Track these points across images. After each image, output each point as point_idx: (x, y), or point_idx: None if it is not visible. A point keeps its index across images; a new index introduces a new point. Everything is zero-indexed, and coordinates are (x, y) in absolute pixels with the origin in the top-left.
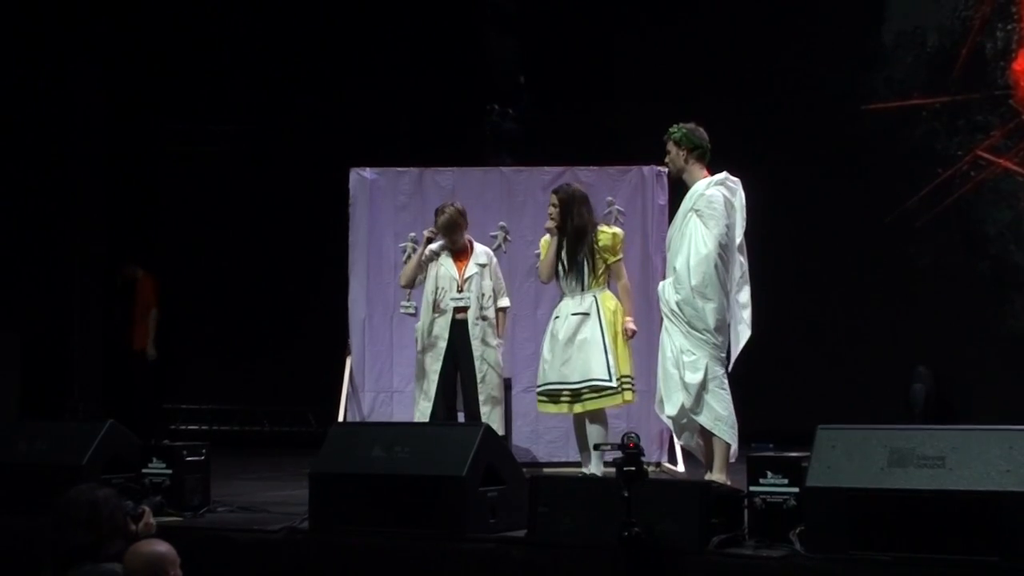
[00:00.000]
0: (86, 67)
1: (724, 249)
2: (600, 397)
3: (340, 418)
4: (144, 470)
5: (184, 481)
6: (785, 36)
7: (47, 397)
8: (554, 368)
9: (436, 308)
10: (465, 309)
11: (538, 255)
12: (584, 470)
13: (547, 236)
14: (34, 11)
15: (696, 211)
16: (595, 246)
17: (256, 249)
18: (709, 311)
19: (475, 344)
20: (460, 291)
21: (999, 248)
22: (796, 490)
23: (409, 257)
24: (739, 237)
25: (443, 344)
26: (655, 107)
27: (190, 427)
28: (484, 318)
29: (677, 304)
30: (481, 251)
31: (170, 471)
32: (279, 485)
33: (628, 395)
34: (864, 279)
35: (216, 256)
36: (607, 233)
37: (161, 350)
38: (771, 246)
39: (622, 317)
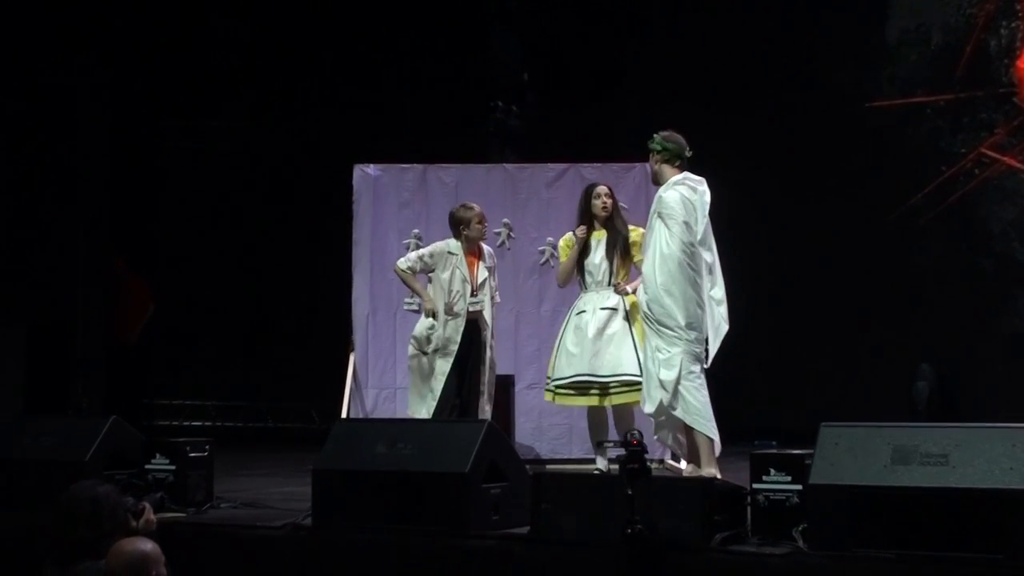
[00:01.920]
0: (89, 64)
1: (688, 246)
2: (630, 391)
3: (343, 414)
4: (147, 466)
5: (187, 477)
6: (789, 34)
7: (51, 392)
8: (583, 361)
9: (449, 311)
10: (479, 312)
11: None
12: (598, 466)
13: (569, 235)
14: (36, 8)
15: (658, 213)
16: (629, 244)
17: (260, 246)
18: (677, 309)
19: (484, 350)
20: (474, 295)
21: (1003, 246)
22: (799, 487)
23: (421, 257)
24: (700, 234)
25: (454, 347)
26: (659, 105)
27: (194, 423)
28: (488, 321)
29: (647, 304)
30: (488, 253)
31: (173, 467)
32: (282, 481)
33: None
34: (868, 277)
35: (220, 252)
36: (637, 231)
37: (164, 347)
38: (775, 244)
39: None
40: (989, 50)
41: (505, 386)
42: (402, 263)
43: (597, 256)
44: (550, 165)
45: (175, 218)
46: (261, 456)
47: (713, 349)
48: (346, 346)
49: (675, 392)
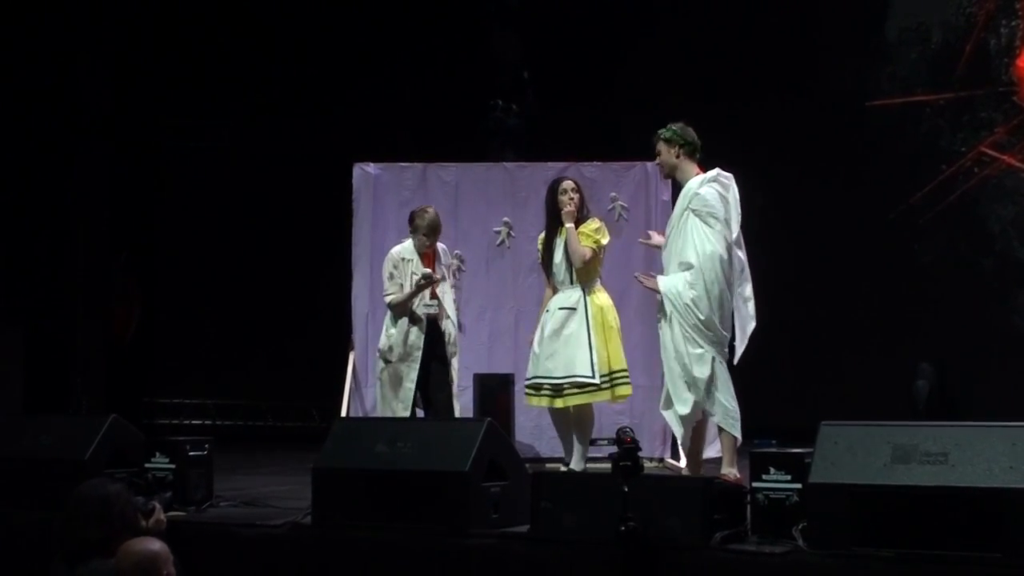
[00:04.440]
0: (91, 63)
1: (727, 244)
2: (582, 393)
3: (343, 413)
4: (147, 465)
5: (187, 476)
6: (789, 32)
7: (51, 391)
8: (540, 361)
9: (412, 318)
10: (437, 314)
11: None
12: (568, 465)
13: (542, 235)
14: (40, 6)
15: (693, 210)
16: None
17: (260, 244)
18: (717, 308)
19: (448, 347)
20: (432, 297)
21: (1003, 245)
22: (799, 486)
23: (392, 276)
24: (735, 231)
25: (419, 353)
26: (658, 103)
27: (193, 422)
28: (452, 320)
29: (692, 300)
30: (442, 250)
31: (173, 466)
32: (282, 480)
33: (623, 389)
34: (868, 276)
35: (220, 251)
36: (589, 225)
37: (164, 345)
38: (775, 243)
39: (612, 313)
40: (989, 49)
41: (505, 385)
42: (388, 299)
43: (558, 256)
44: (550, 164)
45: (175, 217)
46: (261, 455)
47: (740, 347)
48: (346, 344)
49: (710, 393)
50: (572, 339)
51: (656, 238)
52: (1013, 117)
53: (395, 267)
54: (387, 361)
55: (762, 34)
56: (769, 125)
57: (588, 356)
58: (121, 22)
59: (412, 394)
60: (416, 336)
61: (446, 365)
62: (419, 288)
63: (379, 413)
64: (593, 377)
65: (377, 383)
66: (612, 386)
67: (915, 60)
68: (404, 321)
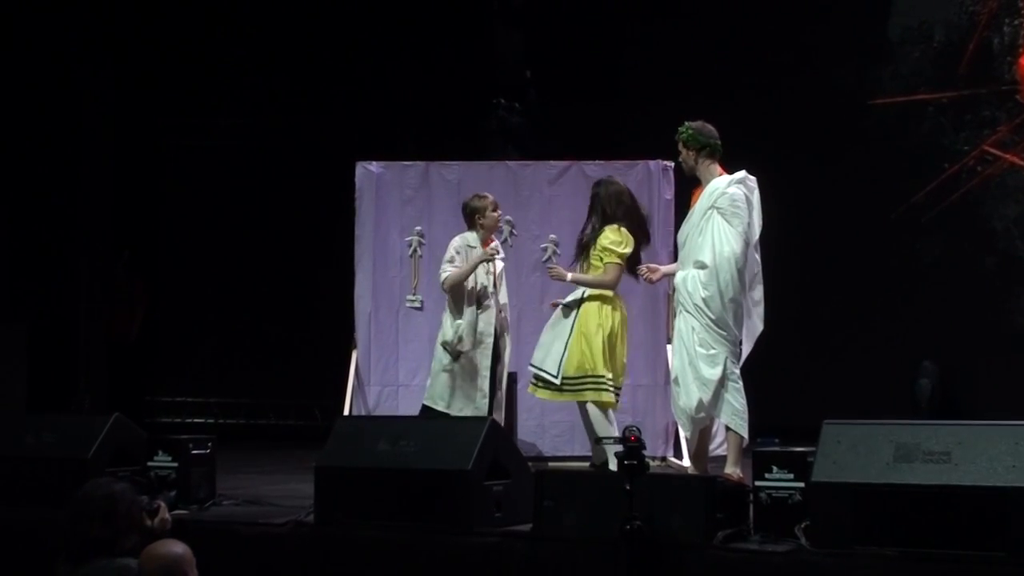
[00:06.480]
0: (93, 60)
1: (746, 247)
2: (543, 388)
3: (346, 412)
4: (150, 463)
5: (190, 474)
6: (791, 31)
7: (53, 390)
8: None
9: (479, 304)
10: (498, 303)
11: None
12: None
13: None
14: (40, 5)
15: (718, 209)
16: (590, 243)
17: (262, 243)
18: (732, 309)
19: (502, 339)
20: (495, 286)
21: (1006, 243)
22: (802, 485)
23: (452, 260)
24: (756, 235)
25: (490, 340)
26: (661, 102)
27: (196, 420)
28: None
29: (704, 300)
30: (495, 244)
31: (176, 464)
32: (285, 479)
33: (590, 395)
34: (870, 274)
35: (222, 250)
36: (606, 236)
37: (166, 344)
38: (777, 241)
39: (600, 318)
40: (992, 47)
41: (507, 383)
42: (444, 276)
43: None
44: (552, 162)
45: (178, 215)
46: (263, 453)
47: (746, 350)
48: (349, 343)
49: (718, 393)
50: (556, 335)
51: (663, 269)
52: (1016, 116)
53: (457, 252)
54: (458, 353)
55: (764, 32)
56: (771, 123)
57: (560, 354)
58: (123, 21)
59: (488, 382)
60: (485, 323)
61: (500, 366)
62: (478, 263)
63: (450, 409)
64: (556, 377)
65: (445, 376)
66: (580, 390)
67: (918, 58)
68: (471, 309)
